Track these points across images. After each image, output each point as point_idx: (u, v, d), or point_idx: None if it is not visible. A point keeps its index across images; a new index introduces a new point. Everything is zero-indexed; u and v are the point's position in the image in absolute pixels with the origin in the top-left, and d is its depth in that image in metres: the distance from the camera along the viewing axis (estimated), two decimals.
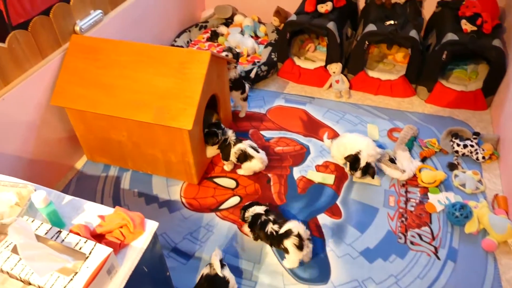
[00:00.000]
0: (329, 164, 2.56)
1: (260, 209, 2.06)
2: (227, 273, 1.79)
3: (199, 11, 3.96)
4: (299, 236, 1.88)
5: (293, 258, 1.93)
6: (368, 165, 2.36)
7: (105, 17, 2.61)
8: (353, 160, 2.37)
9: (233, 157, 2.42)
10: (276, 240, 1.96)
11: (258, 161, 2.40)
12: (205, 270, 1.80)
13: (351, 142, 2.45)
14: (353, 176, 2.46)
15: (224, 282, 1.76)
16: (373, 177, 2.39)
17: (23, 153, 2.22)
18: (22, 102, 2.14)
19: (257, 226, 2.02)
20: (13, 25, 2.02)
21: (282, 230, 1.94)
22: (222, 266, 1.80)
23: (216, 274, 1.76)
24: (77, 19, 2.40)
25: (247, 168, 2.45)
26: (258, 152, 2.43)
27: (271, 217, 2.02)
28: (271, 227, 1.97)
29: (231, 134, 2.43)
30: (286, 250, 1.93)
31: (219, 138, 2.41)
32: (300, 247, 1.88)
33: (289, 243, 1.89)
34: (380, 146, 2.66)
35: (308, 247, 1.93)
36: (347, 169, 2.45)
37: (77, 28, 2.39)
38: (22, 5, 2.04)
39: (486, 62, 2.97)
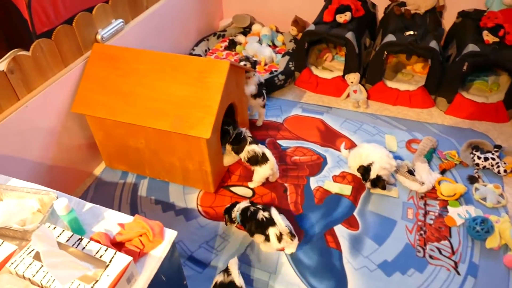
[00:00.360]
0: (346, 175, 2.54)
1: (244, 204, 2.13)
2: (242, 282, 1.81)
3: (217, 20, 3.99)
4: (288, 228, 1.99)
5: (271, 246, 2.04)
6: (378, 177, 2.33)
7: (126, 26, 2.65)
8: (364, 171, 2.37)
9: (244, 154, 2.41)
10: (263, 227, 2.01)
11: (269, 167, 2.38)
12: (218, 278, 1.81)
13: (366, 152, 2.43)
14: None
15: None
16: (383, 189, 2.37)
17: (44, 159, 2.26)
18: (44, 109, 2.18)
19: (249, 218, 2.05)
20: (37, 34, 2.07)
21: (270, 216, 2.03)
22: (238, 274, 1.82)
23: (230, 282, 1.76)
24: (99, 28, 2.44)
25: (257, 174, 2.43)
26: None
27: (259, 206, 2.10)
28: (261, 214, 2.03)
29: (245, 131, 2.46)
30: (267, 237, 2.01)
31: (231, 134, 2.40)
32: (280, 239, 1.98)
33: (272, 231, 1.98)
34: (398, 157, 2.63)
35: (292, 241, 2.02)
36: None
37: (98, 37, 2.43)
38: (46, 14, 2.09)
39: (508, 74, 2.93)
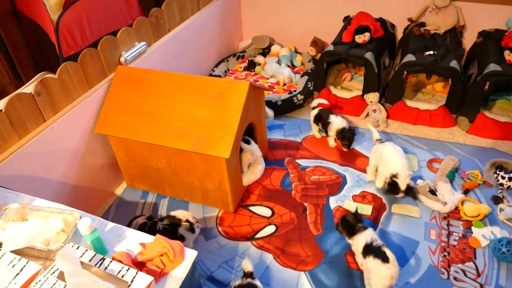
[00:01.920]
0: (366, 194, 2.52)
1: (141, 219, 2.15)
2: (259, 283, 1.82)
3: (237, 42, 4.06)
4: (188, 221, 2.11)
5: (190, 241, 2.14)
6: (409, 187, 2.34)
7: (149, 48, 2.72)
8: (392, 187, 2.38)
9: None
10: (169, 234, 2.01)
11: (248, 154, 2.50)
12: (237, 282, 1.83)
13: (387, 156, 2.45)
14: (391, 207, 2.41)
15: None
16: (415, 198, 2.42)
17: (68, 179, 2.31)
18: (69, 129, 2.24)
19: (146, 231, 1.92)
20: (64, 57, 2.14)
21: (169, 221, 2.11)
22: (254, 278, 1.84)
23: (248, 283, 1.78)
24: (123, 51, 2.51)
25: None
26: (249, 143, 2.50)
27: (155, 219, 2.15)
28: (160, 225, 2.09)
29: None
30: (182, 238, 2.08)
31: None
32: (192, 230, 2.11)
33: (182, 229, 2.09)
34: (419, 177, 2.60)
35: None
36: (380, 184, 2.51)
37: (122, 60, 2.50)
38: (73, 38, 2.17)
39: None
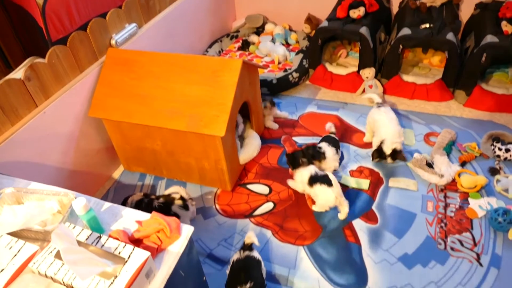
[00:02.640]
0: (363, 169, 2.52)
1: (137, 197, 2.15)
2: (257, 254, 1.85)
3: (230, 21, 4.02)
4: (182, 198, 2.13)
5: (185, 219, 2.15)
6: (394, 151, 2.41)
7: (139, 30, 2.68)
8: (378, 154, 2.48)
9: None
10: (163, 212, 2.02)
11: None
12: (235, 256, 1.85)
13: (379, 124, 2.53)
14: (388, 181, 2.42)
15: (257, 261, 1.81)
16: (404, 160, 2.48)
17: (64, 164, 2.31)
18: (62, 114, 2.22)
19: (143, 208, 1.97)
20: (53, 41, 2.11)
21: (164, 199, 2.12)
22: (252, 249, 1.86)
23: (247, 257, 1.80)
24: (113, 33, 2.48)
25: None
26: None
27: (152, 197, 2.14)
28: (156, 202, 2.09)
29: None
30: (176, 215, 2.08)
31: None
32: (185, 207, 2.12)
33: (175, 207, 2.10)
34: (416, 151, 2.60)
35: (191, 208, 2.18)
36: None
37: (113, 42, 2.47)
38: (61, 21, 2.14)
39: None
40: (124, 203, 2.15)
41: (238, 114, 2.51)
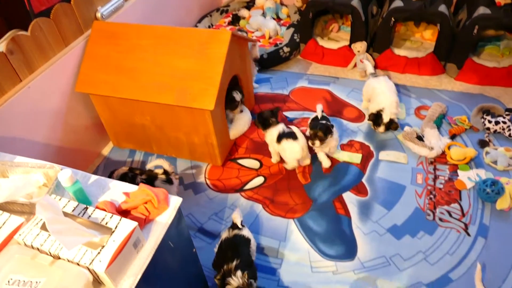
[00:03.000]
0: (354, 143, 2.52)
1: (122, 170, 2.13)
2: (247, 232, 1.84)
3: None
4: (165, 172, 2.13)
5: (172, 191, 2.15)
6: (391, 121, 2.46)
7: (126, 3, 2.62)
8: (375, 117, 2.51)
9: None
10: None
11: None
12: (224, 235, 1.84)
13: (378, 92, 2.55)
14: (379, 154, 2.42)
15: (245, 240, 1.80)
16: (395, 129, 2.52)
17: (52, 141, 2.28)
18: (47, 89, 2.18)
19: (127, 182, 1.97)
20: (36, 13, 2.05)
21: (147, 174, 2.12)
22: (242, 227, 1.85)
23: (235, 235, 1.80)
24: (98, 6, 2.42)
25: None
26: None
27: (136, 171, 2.13)
28: (139, 178, 2.08)
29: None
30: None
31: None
32: (169, 181, 2.12)
33: (158, 182, 2.09)
34: (407, 124, 2.60)
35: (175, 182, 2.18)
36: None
37: (98, 15, 2.41)
38: None
39: None
40: (110, 176, 2.13)
41: (236, 92, 2.47)
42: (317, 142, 2.25)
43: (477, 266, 1.82)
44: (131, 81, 2.22)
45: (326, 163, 2.38)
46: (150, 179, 2.09)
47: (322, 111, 2.44)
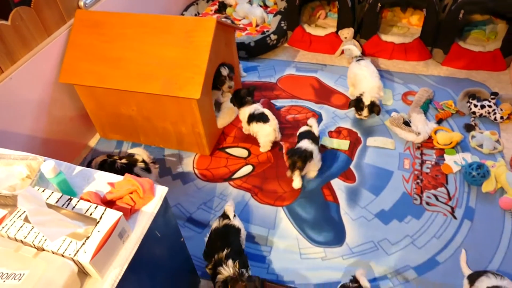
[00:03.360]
0: (342, 130, 2.52)
1: (100, 158, 2.13)
2: (237, 222, 1.84)
3: None
4: (144, 161, 2.11)
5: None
6: (372, 103, 2.44)
7: None
8: (356, 102, 2.48)
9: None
10: (127, 172, 2.01)
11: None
12: (214, 224, 1.84)
13: (360, 78, 2.55)
14: (366, 140, 2.43)
15: (235, 229, 1.80)
16: (378, 114, 2.49)
17: (36, 132, 2.24)
18: (30, 80, 2.14)
19: (106, 169, 1.93)
20: (15, 1, 2.00)
21: (127, 160, 2.10)
22: (234, 217, 1.86)
23: (225, 225, 1.80)
24: None
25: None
26: None
27: (115, 157, 2.12)
28: (119, 163, 2.07)
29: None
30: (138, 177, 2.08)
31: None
32: (147, 170, 2.11)
33: (138, 169, 2.09)
34: (394, 110, 2.60)
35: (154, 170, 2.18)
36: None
37: (81, 3, 2.36)
38: None
39: (506, 22, 2.84)
40: (89, 165, 2.12)
41: (224, 67, 2.41)
42: (297, 172, 2.11)
43: (462, 251, 1.85)
44: (116, 70, 2.19)
45: (297, 183, 2.19)
46: (130, 165, 2.08)
47: (311, 126, 2.29)
